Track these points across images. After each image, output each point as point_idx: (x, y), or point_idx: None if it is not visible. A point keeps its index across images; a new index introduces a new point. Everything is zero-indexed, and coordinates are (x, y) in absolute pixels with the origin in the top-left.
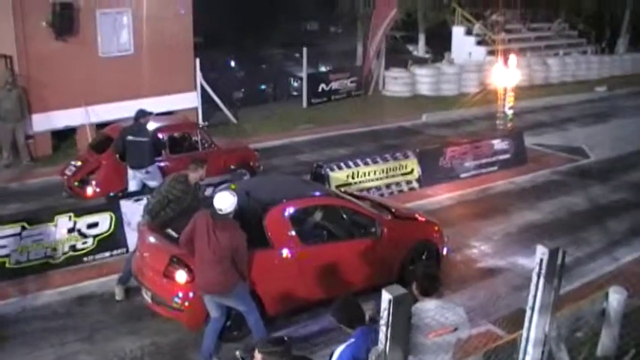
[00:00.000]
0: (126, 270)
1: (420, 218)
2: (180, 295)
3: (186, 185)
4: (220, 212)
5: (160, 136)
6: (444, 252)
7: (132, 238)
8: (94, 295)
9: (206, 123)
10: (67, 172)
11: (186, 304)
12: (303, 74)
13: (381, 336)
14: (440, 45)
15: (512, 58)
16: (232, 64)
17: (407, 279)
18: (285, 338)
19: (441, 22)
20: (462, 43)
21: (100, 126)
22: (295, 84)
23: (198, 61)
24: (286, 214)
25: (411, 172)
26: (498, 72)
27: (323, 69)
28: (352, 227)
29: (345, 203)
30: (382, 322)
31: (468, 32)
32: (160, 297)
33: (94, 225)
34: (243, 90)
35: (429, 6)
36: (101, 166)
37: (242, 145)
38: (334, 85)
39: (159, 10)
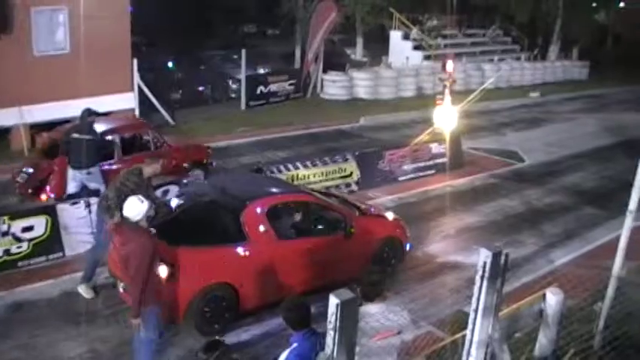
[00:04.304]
0: (87, 268)
1: (384, 215)
2: (162, 289)
3: (139, 178)
4: (128, 220)
5: (111, 137)
6: (407, 248)
7: (68, 242)
8: (30, 300)
9: None
10: (20, 180)
11: (167, 298)
12: (242, 76)
13: (329, 340)
14: (378, 49)
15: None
16: (170, 65)
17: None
18: (221, 340)
19: (378, 27)
20: (400, 47)
21: (36, 127)
22: (234, 86)
23: (135, 61)
24: (263, 209)
25: (350, 175)
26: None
27: (261, 71)
28: (325, 223)
29: (318, 200)
30: (330, 326)
31: (406, 37)
32: None
33: (29, 229)
34: (180, 91)
35: (367, 10)
36: (54, 172)
37: (193, 143)
38: (273, 87)
39: (96, 9)
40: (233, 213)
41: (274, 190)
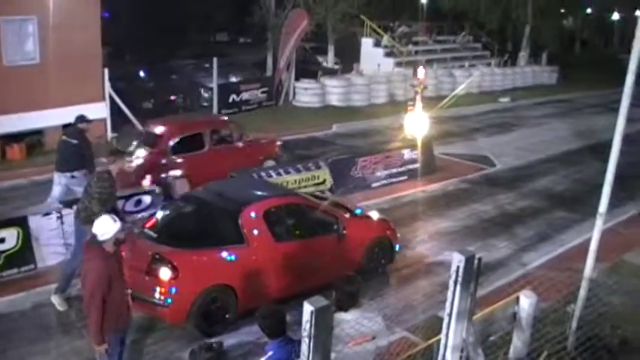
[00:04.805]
0: (62, 279)
1: (374, 216)
2: (165, 291)
3: (111, 180)
4: (94, 237)
5: (201, 130)
6: (397, 248)
7: (40, 254)
8: (3, 313)
9: (115, 134)
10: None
11: (169, 300)
12: (214, 85)
13: (304, 347)
14: (349, 56)
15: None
16: (142, 74)
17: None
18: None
19: (350, 34)
20: (371, 54)
21: (6, 137)
22: (206, 94)
23: (107, 71)
24: (261, 212)
25: (324, 182)
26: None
27: (233, 79)
28: (319, 225)
29: (311, 203)
30: (305, 333)
31: (377, 44)
32: (143, 295)
33: (1, 241)
34: (152, 100)
35: (338, 18)
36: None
37: (268, 138)
38: (245, 95)
39: (66, 18)
40: (231, 216)
41: (270, 193)
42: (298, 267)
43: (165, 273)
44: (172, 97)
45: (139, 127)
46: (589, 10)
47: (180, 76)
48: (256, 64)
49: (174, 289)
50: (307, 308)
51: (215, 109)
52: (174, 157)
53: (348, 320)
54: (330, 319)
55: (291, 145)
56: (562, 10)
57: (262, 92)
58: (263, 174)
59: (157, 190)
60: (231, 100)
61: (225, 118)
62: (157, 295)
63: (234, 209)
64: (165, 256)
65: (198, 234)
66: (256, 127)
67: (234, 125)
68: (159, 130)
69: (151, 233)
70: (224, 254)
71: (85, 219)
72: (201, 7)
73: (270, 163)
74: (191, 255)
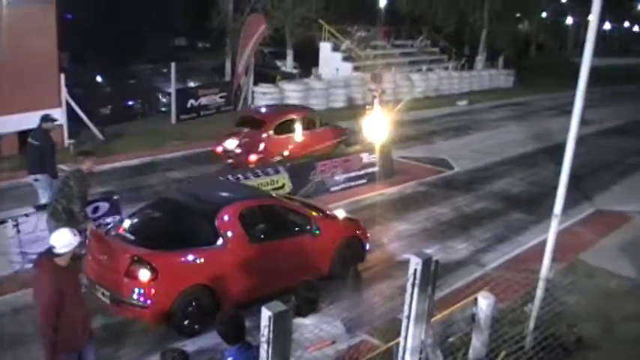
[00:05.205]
0: None
1: (341, 216)
2: (144, 292)
3: (84, 177)
4: (54, 250)
5: (293, 116)
6: (367, 247)
7: None
8: None
9: (72, 141)
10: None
11: (149, 301)
12: (172, 90)
13: (262, 353)
14: (308, 61)
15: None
16: (99, 79)
17: (334, 272)
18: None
19: (308, 38)
20: (330, 59)
21: None
22: (164, 100)
23: (63, 76)
24: (237, 213)
25: (282, 186)
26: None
27: (192, 85)
28: (293, 226)
29: (285, 204)
30: (263, 339)
31: (335, 48)
32: (122, 297)
33: None
34: (110, 106)
35: (296, 22)
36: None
37: (339, 127)
38: (203, 100)
39: (22, 23)
40: (208, 218)
41: (245, 195)
42: (274, 266)
43: (144, 274)
44: (130, 103)
45: (97, 133)
46: (544, 15)
47: (139, 82)
48: (215, 68)
49: (153, 290)
50: (265, 313)
51: (173, 115)
52: (275, 137)
53: (307, 325)
54: (289, 324)
55: None
56: (518, 15)
57: (221, 97)
58: (221, 179)
59: (116, 197)
60: (189, 105)
61: (310, 108)
62: (136, 297)
63: (211, 211)
64: (144, 258)
65: (176, 236)
66: (214, 132)
67: (316, 114)
68: (264, 116)
69: (129, 236)
70: (202, 255)
71: (68, 220)
72: (160, 11)
73: (341, 145)
74: (169, 256)
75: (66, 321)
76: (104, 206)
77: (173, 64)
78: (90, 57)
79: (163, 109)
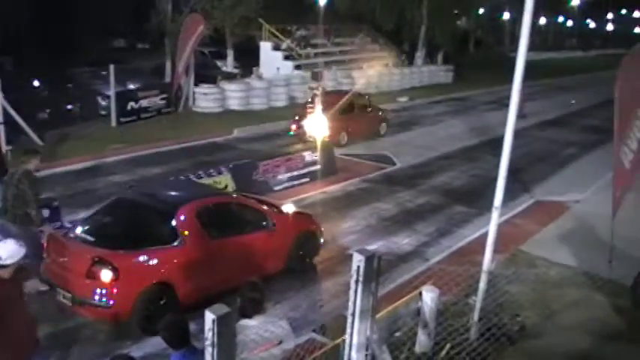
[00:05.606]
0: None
1: (290, 210)
2: (106, 292)
3: (32, 177)
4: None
5: (351, 100)
6: (322, 241)
7: None
8: None
9: (10, 147)
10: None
11: (112, 301)
12: (111, 92)
13: (207, 357)
14: (249, 60)
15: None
16: (36, 83)
17: (291, 266)
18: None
19: (249, 38)
20: (270, 58)
21: None
22: (103, 103)
23: None
24: (195, 212)
25: (225, 187)
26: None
27: (131, 87)
28: (250, 222)
29: (242, 201)
30: (207, 342)
31: (276, 47)
32: (84, 298)
33: None
34: (48, 110)
35: (236, 22)
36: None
37: (384, 109)
38: (143, 102)
39: None
40: (166, 217)
41: (201, 193)
42: (233, 262)
43: (106, 275)
44: (69, 107)
45: (35, 138)
46: (482, 11)
47: (77, 85)
48: (155, 70)
49: (115, 290)
50: (209, 316)
51: (113, 118)
52: (341, 116)
53: (252, 326)
54: (233, 327)
55: (192, 151)
56: (456, 11)
57: (161, 99)
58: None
59: (55, 203)
60: (129, 107)
61: (362, 92)
62: (98, 297)
63: (169, 210)
64: (105, 259)
65: (136, 235)
66: (156, 136)
67: (367, 98)
68: (334, 99)
69: (88, 237)
70: (161, 254)
71: (29, 223)
72: (98, 13)
73: (384, 124)
74: (130, 256)
75: (8, 334)
76: (44, 213)
77: (112, 67)
78: (26, 60)
79: (103, 112)
